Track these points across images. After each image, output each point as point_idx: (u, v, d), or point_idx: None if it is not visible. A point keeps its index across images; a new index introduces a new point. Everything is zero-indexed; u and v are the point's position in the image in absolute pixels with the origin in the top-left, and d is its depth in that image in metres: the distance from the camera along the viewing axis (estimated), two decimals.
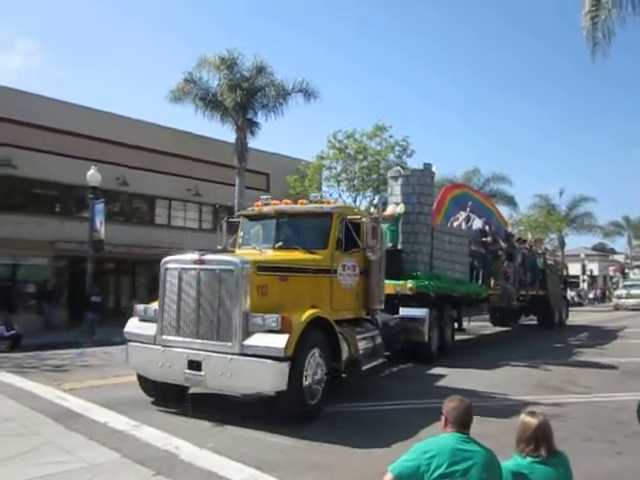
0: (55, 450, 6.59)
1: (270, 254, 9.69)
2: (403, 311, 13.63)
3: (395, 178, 15.56)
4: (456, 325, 16.92)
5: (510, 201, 40.75)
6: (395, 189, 15.50)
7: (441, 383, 11.36)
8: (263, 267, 8.45)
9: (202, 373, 7.96)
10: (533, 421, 3.61)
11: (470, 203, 18.62)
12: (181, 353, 8.18)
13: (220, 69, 26.32)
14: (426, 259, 15.23)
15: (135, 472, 5.90)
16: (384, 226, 14.80)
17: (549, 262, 22.62)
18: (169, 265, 8.81)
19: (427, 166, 15.44)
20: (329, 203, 10.76)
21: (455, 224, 17.11)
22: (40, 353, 15.61)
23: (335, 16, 78.31)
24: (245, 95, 26.10)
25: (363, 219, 10.39)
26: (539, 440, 3.57)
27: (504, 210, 42.82)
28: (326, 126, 60.27)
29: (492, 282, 17.88)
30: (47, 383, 10.69)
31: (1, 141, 23.00)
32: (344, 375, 9.44)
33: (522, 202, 50.38)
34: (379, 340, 10.63)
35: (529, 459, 3.57)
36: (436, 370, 12.79)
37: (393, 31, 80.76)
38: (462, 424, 3.63)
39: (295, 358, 7.62)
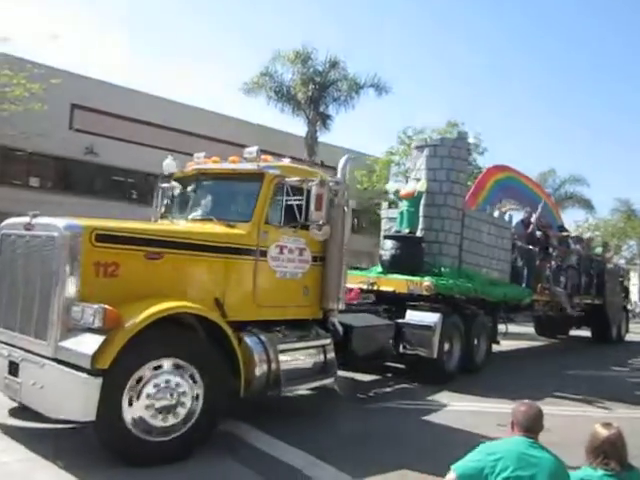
0: None
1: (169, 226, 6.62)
2: (410, 315, 9.63)
3: (420, 148, 11.44)
4: None
5: (587, 204, 35.67)
6: (419, 162, 11.40)
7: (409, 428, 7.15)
8: (107, 236, 5.25)
9: (19, 380, 5.25)
10: (603, 432, 3.18)
11: (542, 204, 14.26)
12: (2, 351, 5.49)
13: (294, 63, 25.41)
14: (454, 252, 11.12)
15: None
16: (403, 207, 10.70)
17: (608, 266, 17.69)
18: (4, 231, 5.79)
19: (462, 135, 11.17)
20: (267, 160, 6.84)
21: (497, 213, 12.63)
22: None
23: (412, 10, 73.70)
24: (317, 89, 25.25)
25: (305, 183, 6.59)
26: (608, 453, 3.13)
27: (580, 214, 38.66)
28: (397, 122, 56.06)
29: (539, 286, 13.34)
30: None
31: (85, 129, 23.39)
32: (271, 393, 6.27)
33: (601, 206, 44.34)
34: (330, 353, 7.09)
35: (601, 472, 3.16)
36: (439, 397, 8.77)
37: (475, 30, 75.52)
38: (530, 429, 3.24)
39: (114, 373, 4.68)
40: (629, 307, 22.95)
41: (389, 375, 10.24)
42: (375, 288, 10.38)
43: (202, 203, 7.06)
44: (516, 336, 15.55)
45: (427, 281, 9.76)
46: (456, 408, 8.13)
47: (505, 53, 76.53)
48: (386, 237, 11.04)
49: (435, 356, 9.26)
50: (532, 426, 3.29)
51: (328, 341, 7.10)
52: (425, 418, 7.51)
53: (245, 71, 54.53)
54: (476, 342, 10.89)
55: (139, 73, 56.95)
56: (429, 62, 75.32)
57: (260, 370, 5.96)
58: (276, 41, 75.65)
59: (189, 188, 7.32)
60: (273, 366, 6.07)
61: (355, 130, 58.71)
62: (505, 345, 14.18)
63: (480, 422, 7.15)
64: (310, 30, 69.17)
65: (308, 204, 6.46)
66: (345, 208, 7.08)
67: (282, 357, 6.24)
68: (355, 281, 10.50)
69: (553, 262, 14.57)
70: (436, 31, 74.36)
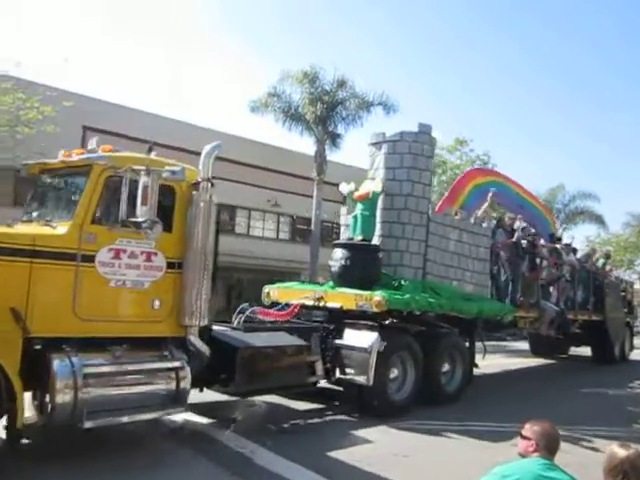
0: None
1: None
2: (347, 336, 7.89)
3: (377, 145, 9.57)
4: None
5: (598, 219, 33.41)
6: (377, 161, 9.50)
7: None
8: None
9: None
10: (622, 452, 2.84)
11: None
12: None
13: (302, 83, 24.38)
14: (417, 262, 9.23)
15: None
16: (357, 210, 8.94)
17: (608, 279, 15.44)
18: None
19: (424, 128, 9.30)
20: (107, 150, 5.75)
21: (472, 218, 10.69)
22: None
23: (421, 24, 72.00)
24: (326, 108, 24.23)
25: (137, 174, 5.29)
26: (628, 473, 2.78)
27: (591, 229, 36.34)
28: None
29: (522, 300, 11.35)
30: None
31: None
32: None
33: (613, 220, 41.66)
34: (184, 379, 5.63)
35: None
36: (365, 433, 6.97)
37: (483, 40, 73.32)
38: (549, 449, 3.05)
39: None
40: (635, 323, 20.49)
41: (337, 404, 8.41)
42: (321, 304, 8.54)
43: (41, 201, 5.97)
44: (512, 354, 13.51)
45: (377, 296, 7.91)
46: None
47: (516, 66, 73.84)
48: (336, 245, 9.21)
49: (371, 383, 7.35)
50: (548, 446, 3.08)
51: (177, 364, 5.62)
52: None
53: (252, 88, 53.38)
54: (447, 367, 8.96)
55: (142, 93, 55.70)
56: (438, 77, 73.04)
57: (62, 398, 4.78)
58: (283, 60, 74.68)
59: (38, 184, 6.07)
60: (78, 394, 4.86)
61: (365, 148, 56.74)
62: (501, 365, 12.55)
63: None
64: (317, 48, 67.38)
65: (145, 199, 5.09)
66: (206, 205, 5.88)
67: (91, 381, 5.01)
68: (299, 296, 8.75)
69: (544, 274, 12.50)
70: (445, 46, 72.29)
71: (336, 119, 24.86)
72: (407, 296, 8.29)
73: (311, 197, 24.35)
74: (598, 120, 74.08)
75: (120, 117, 23.10)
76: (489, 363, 11.64)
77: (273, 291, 9.41)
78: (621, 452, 2.85)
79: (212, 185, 6.06)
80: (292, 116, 25.05)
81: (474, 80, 73.48)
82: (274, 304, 9.03)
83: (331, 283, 9.23)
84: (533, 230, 12.81)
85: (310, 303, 8.62)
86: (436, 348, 8.74)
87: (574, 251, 14.68)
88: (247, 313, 7.73)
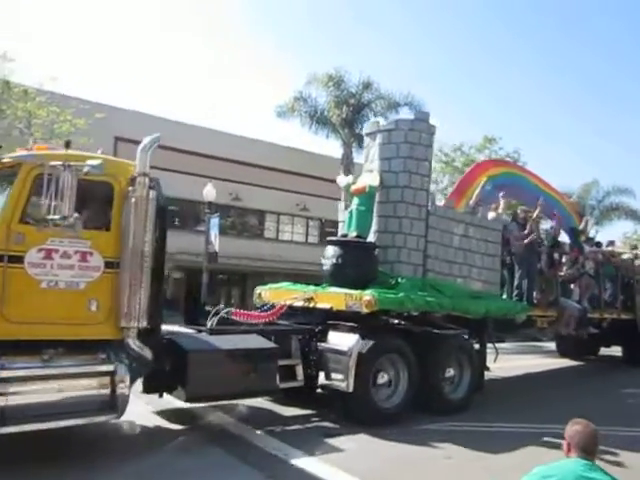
0: None
1: None
2: (330, 338, 7.25)
3: (372, 135, 8.82)
4: None
5: (634, 215, 31.78)
6: (372, 152, 8.73)
7: None
8: None
9: None
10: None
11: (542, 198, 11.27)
12: None
13: (328, 86, 24.42)
14: (416, 258, 8.45)
15: None
16: (353, 205, 8.24)
17: (639, 275, 14.12)
18: None
19: (421, 115, 8.52)
20: (41, 149, 5.41)
21: (491, 214, 9.78)
22: None
23: (445, 28, 70.26)
24: (351, 111, 24.07)
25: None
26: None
27: (627, 225, 34.69)
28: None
29: (540, 298, 10.38)
30: None
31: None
32: None
33: None
34: (120, 384, 5.16)
35: None
36: (339, 442, 6.29)
37: (504, 43, 70.94)
38: (587, 450, 2.92)
39: None
40: None
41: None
42: (311, 305, 7.84)
43: None
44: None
45: (367, 295, 7.17)
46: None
47: (539, 71, 71.17)
48: (328, 242, 8.49)
49: (350, 389, 6.61)
50: (589, 446, 2.93)
51: (111, 368, 5.13)
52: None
53: (281, 92, 53.03)
54: (451, 372, 8.11)
55: (171, 101, 55.89)
56: (463, 80, 70.93)
57: None
58: (311, 62, 73.80)
59: None
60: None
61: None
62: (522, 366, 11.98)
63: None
64: (342, 50, 66.46)
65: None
66: (142, 201, 5.33)
67: (12, 385, 4.63)
68: (288, 296, 8.08)
69: (564, 270, 11.46)
70: (470, 50, 70.26)
71: (362, 121, 24.35)
72: (401, 295, 7.51)
73: (339, 200, 23.55)
74: (625, 119, 70.51)
75: (150, 126, 22.79)
76: (508, 365, 10.93)
77: (265, 292, 8.79)
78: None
79: (151, 180, 5.40)
80: (318, 119, 25.07)
81: (494, 83, 71.22)
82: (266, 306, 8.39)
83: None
84: (552, 224, 11.76)
85: (300, 304, 7.95)
86: (436, 351, 7.93)
87: (598, 244, 13.49)
88: (221, 314, 7.08)
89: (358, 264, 7.90)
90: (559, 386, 11.38)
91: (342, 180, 8.85)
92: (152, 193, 5.47)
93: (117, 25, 55.50)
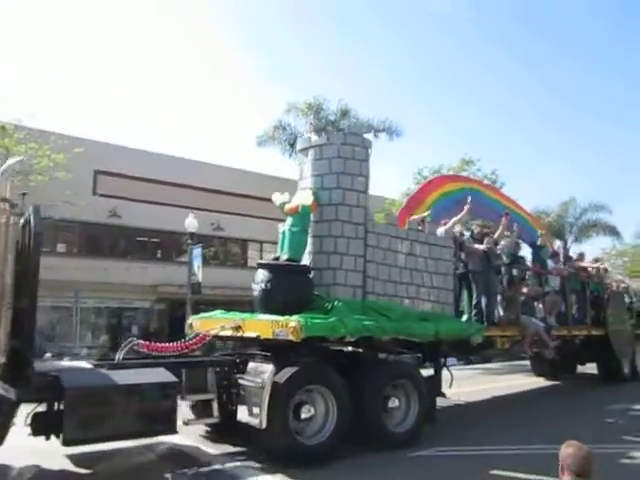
0: None
1: None
2: (249, 369, 6.61)
3: (304, 151, 8.10)
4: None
5: (612, 231, 31.36)
6: (305, 169, 8.02)
7: None
8: None
9: None
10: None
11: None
12: None
13: (307, 114, 24.07)
14: (355, 280, 7.65)
15: None
16: (286, 225, 7.51)
17: (609, 289, 13.30)
18: None
19: (354, 129, 7.89)
20: None
21: (440, 230, 9.04)
22: None
23: (417, 45, 70.28)
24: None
25: None
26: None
27: (605, 241, 34.48)
28: (415, 161, 52.13)
29: (502, 317, 9.60)
30: None
31: (108, 194, 22.53)
32: None
33: (629, 232, 38.74)
34: None
35: None
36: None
37: (489, 60, 71.02)
38: (581, 473, 2.81)
39: None
40: None
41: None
42: (239, 334, 7.06)
43: None
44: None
45: (293, 322, 6.39)
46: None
47: (524, 85, 71.16)
48: (259, 266, 7.73)
49: (263, 426, 5.78)
50: (582, 469, 2.82)
51: None
52: None
53: (257, 122, 52.58)
54: (395, 403, 7.25)
55: (151, 133, 55.46)
56: (443, 100, 70.79)
57: None
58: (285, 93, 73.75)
59: None
60: None
61: (373, 174, 54.34)
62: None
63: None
64: (321, 80, 66.50)
65: None
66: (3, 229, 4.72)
67: None
68: (215, 324, 7.32)
69: (526, 288, 10.67)
70: (450, 67, 70.27)
71: None
72: (332, 320, 6.72)
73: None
74: (602, 134, 70.23)
75: (130, 159, 23.25)
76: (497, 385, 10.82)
77: (195, 322, 8.00)
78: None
79: (12, 206, 4.67)
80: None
81: (481, 100, 71.18)
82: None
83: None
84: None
85: (228, 333, 7.17)
86: (374, 379, 7.09)
87: (569, 259, 12.72)
88: (128, 347, 6.31)
89: (288, 289, 7.13)
90: (542, 404, 10.96)
91: (277, 199, 8.14)
92: (13, 219, 4.72)
93: (96, 58, 55.34)
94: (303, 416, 6.26)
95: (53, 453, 5.78)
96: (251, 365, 6.46)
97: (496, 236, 10.16)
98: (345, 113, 23.92)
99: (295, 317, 6.52)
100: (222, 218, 25.36)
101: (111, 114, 51.04)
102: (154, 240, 25.32)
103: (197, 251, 18.30)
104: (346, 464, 6.20)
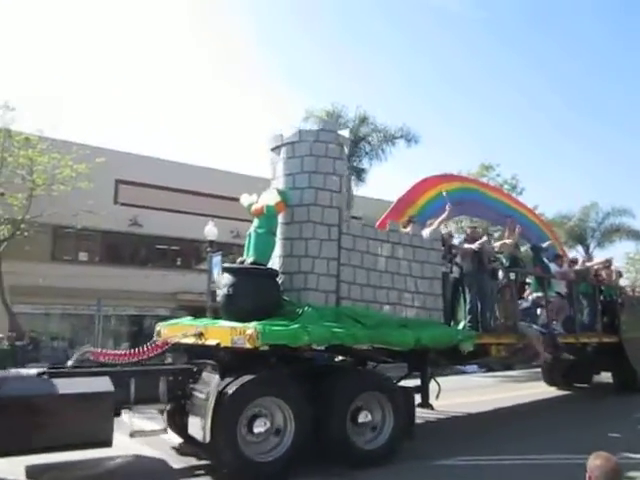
0: None
1: None
2: (202, 378, 6.06)
3: (277, 150, 7.54)
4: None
5: (636, 235, 30.15)
6: (278, 168, 7.48)
7: None
8: None
9: None
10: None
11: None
12: None
13: (325, 122, 22.42)
14: (327, 285, 7.06)
15: None
16: (252, 227, 7.03)
17: (624, 294, 12.24)
18: None
19: (327, 125, 7.31)
20: None
21: (425, 232, 8.35)
22: None
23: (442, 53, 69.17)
24: (349, 145, 21.96)
25: None
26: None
27: (629, 246, 33.40)
28: (432, 167, 51.30)
29: (499, 324, 8.83)
30: None
31: (129, 202, 22.55)
32: None
33: None
34: None
35: None
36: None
37: (505, 66, 69.39)
38: None
39: None
40: None
41: None
42: (201, 341, 6.54)
43: None
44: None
45: (250, 329, 5.83)
46: None
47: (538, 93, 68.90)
48: (223, 270, 7.21)
49: (207, 440, 5.28)
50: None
51: None
52: None
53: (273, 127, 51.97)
54: (367, 417, 6.57)
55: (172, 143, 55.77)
56: (460, 105, 69.25)
57: None
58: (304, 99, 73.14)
59: None
60: None
61: (390, 180, 53.27)
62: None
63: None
64: (336, 83, 65.85)
65: None
66: None
67: None
68: (178, 332, 6.83)
69: (528, 292, 9.84)
70: (467, 73, 68.72)
71: (360, 154, 23.79)
72: (294, 327, 6.13)
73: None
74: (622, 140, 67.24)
75: (150, 168, 23.18)
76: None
77: (163, 329, 7.51)
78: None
79: None
80: None
81: (498, 109, 69.33)
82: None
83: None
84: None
85: (191, 341, 6.66)
86: (338, 391, 6.42)
87: (573, 262, 11.75)
88: (77, 356, 5.86)
89: (252, 293, 6.57)
90: (562, 413, 10.53)
91: (245, 200, 7.61)
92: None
93: (115, 67, 56.08)
94: (256, 430, 5.68)
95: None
96: (204, 374, 5.93)
97: (510, 241, 9.52)
98: (364, 120, 23.80)
99: (253, 324, 5.97)
100: (241, 226, 25.07)
101: (132, 125, 51.59)
102: (174, 248, 25.28)
103: (217, 259, 18.13)
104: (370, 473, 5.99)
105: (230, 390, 5.49)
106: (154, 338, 7.63)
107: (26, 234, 17.37)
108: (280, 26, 64.61)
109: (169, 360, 7.25)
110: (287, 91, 67.65)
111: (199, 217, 21.10)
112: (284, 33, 65.89)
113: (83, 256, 23.33)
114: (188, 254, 25.13)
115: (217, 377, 5.61)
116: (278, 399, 5.80)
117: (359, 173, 24.17)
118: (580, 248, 27.55)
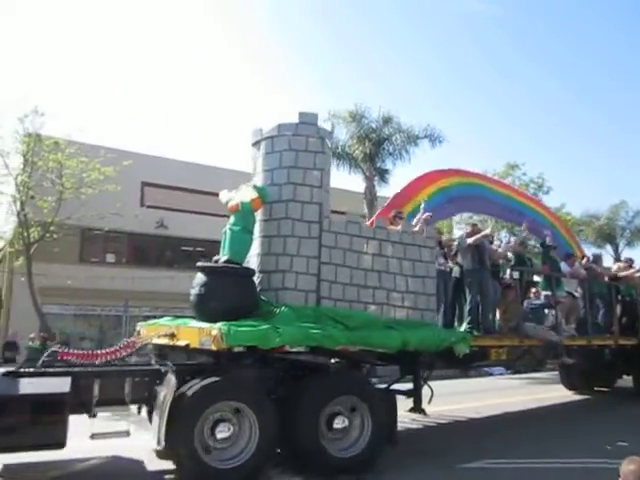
0: None
1: None
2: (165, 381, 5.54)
3: (257, 145, 7.17)
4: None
5: None
6: (258, 164, 7.12)
7: None
8: None
9: None
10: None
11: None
12: None
13: (349, 122, 23.11)
14: (307, 284, 6.67)
15: None
16: (227, 225, 6.73)
17: None
18: None
19: (307, 118, 6.87)
20: None
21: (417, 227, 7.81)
22: None
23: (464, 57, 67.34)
24: (373, 145, 22.61)
25: None
26: None
27: None
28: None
29: (502, 326, 8.23)
30: None
31: (155, 205, 22.74)
32: None
33: None
34: None
35: None
36: None
37: (521, 66, 67.12)
38: None
39: None
40: None
41: None
42: (173, 342, 6.24)
43: None
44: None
45: (215, 330, 5.48)
46: None
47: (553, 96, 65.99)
48: (197, 269, 6.87)
49: (160, 446, 5.07)
50: None
51: None
52: None
53: None
54: (344, 423, 6.09)
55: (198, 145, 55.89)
56: (484, 108, 67.16)
57: None
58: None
59: None
60: None
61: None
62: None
63: None
64: (356, 84, 64.92)
65: None
66: None
67: None
68: (151, 332, 6.55)
69: (533, 292, 9.15)
70: (490, 76, 66.59)
71: (384, 155, 23.16)
72: (263, 328, 5.73)
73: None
74: None
75: (174, 170, 23.23)
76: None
77: (142, 329, 7.25)
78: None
79: None
80: (339, 155, 23.42)
81: (521, 112, 66.90)
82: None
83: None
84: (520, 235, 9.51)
85: (164, 342, 6.36)
86: (309, 395, 5.96)
87: (584, 259, 10.91)
88: (44, 357, 5.64)
89: (225, 293, 6.21)
90: (588, 416, 10.10)
91: (224, 196, 7.30)
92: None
93: (139, 73, 56.99)
94: (219, 436, 5.30)
95: None
96: (167, 376, 5.59)
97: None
98: (387, 120, 23.06)
99: (219, 324, 5.61)
100: None
101: (156, 128, 52.21)
102: (199, 249, 24.85)
103: None
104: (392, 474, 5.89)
105: (189, 393, 5.15)
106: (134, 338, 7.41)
107: (55, 236, 17.59)
108: (305, 29, 64.53)
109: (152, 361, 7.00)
110: (310, 92, 67.49)
111: (224, 219, 21.08)
112: (308, 35, 65.77)
113: (110, 258, 23.45)
114: (213, 255, 25.35)
115: (173, 380, 5.27)
116: (240, 403, 5.41)
117: (382, 174, 23.51)
118: (609, 247, 26.21)
